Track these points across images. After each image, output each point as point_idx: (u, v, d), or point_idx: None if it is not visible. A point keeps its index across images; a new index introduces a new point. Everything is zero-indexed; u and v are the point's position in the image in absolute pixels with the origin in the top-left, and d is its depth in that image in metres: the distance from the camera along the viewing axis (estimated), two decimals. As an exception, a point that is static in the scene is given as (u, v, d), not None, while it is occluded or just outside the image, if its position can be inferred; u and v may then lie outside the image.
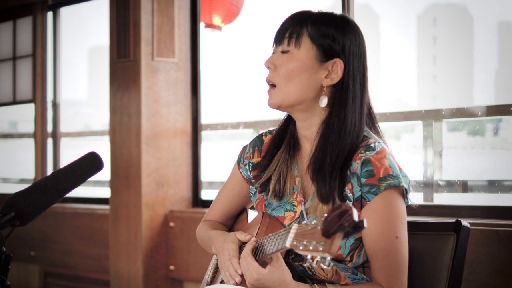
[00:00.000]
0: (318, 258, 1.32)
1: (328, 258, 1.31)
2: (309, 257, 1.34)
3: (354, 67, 1.76)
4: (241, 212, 2.05)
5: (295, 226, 1.43)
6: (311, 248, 1.33)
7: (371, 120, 1.84)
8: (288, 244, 1.43)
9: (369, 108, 1.83)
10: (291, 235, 1.43)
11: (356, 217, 1.26)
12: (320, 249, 1.31)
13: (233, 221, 2.06)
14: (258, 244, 1.70)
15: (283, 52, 1.77)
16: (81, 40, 5.20)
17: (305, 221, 1.42)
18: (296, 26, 1.76)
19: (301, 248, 1.36)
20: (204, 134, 4.11)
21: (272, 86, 1.78)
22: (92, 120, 5.80)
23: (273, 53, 1.81)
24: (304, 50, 1.74)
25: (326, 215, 1.31)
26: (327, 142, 1.73)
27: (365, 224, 1.26)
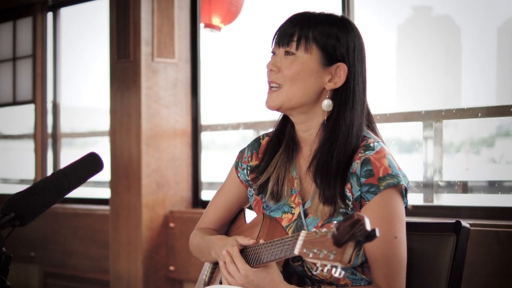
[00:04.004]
0: (328, 267, 1.32)
1: (339, 267, 1.30)
2: (318, 265, 1.33)
3: (357, 71, 1.76)
4: (238, 212, 2.03)
5: (303, 233, 1.41)
6: (321, 256, 1.32)
7: (369, 120, 1.84)
8: (296, 251, 1.41)
9: (367, 108, 1.83)
10: (299, 242, 1.41)
11: (368, 227, 1.25)
12: (331, 257, 1.30)
13: (227, 227, 2.03)
14: (258, 248, 1.68)
15: (288, 53, 1.75)
16: (81, 41, 5.20)
17: (314, 230, 1.41)
18: (303, 29, 1.73)
19: (311, 256, 1.35)
20: (204, 134, 4.11)
21: (273, 87, 1.77)
22: (92, 120, 5.79)
23: (273, 54, 1.79)
24: (310, 54, 1.73)
25: (337, 223, 1.30)
26: (334, 145, 1.72)
27: (377, 234, 1.25)
